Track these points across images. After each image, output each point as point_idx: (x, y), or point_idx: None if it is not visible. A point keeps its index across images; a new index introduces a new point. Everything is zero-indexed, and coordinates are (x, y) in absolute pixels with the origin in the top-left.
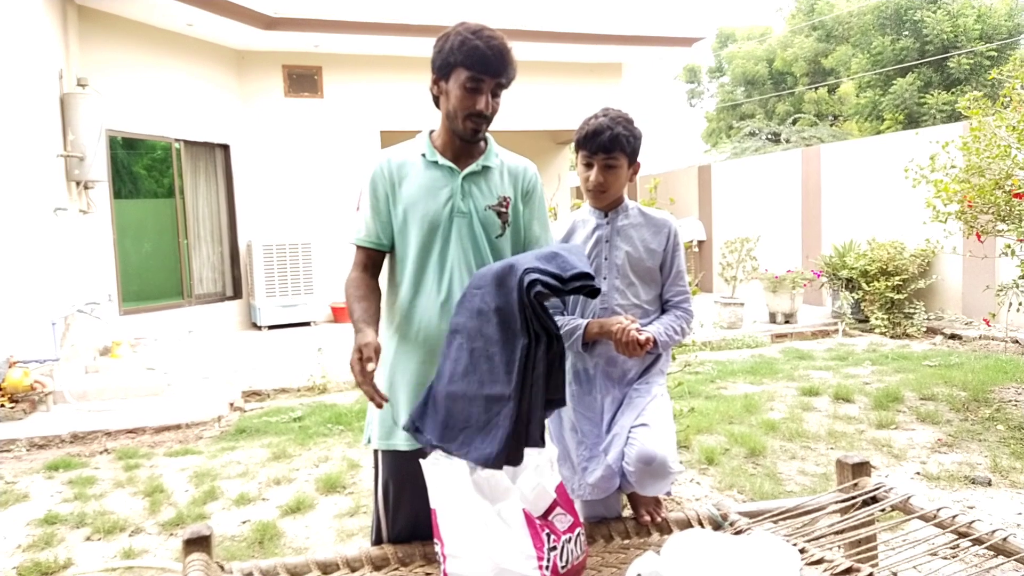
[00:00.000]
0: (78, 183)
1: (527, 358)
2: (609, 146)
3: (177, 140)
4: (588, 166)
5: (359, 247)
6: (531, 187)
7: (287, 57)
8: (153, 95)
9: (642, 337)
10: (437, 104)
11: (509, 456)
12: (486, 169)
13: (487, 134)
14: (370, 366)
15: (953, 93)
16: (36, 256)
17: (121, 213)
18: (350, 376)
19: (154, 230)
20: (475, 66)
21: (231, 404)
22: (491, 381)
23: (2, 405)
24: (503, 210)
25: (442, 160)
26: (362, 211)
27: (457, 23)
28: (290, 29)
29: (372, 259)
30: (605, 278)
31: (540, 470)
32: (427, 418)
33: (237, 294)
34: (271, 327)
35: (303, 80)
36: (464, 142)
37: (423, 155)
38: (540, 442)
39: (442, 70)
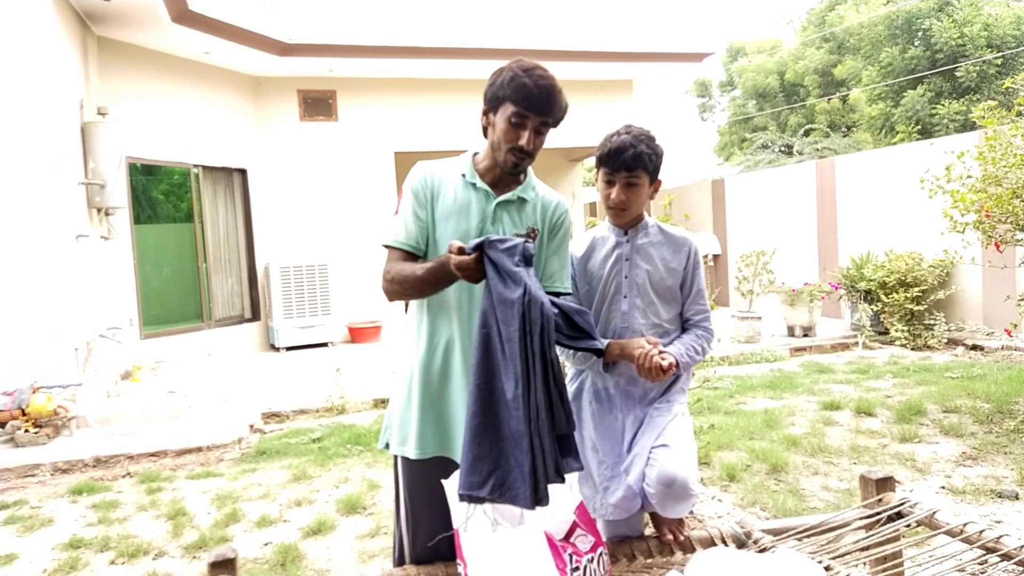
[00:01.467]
0: (99, 210)
1: (528, 391)
2: (632, 164)
3: (195, 165)
4: (609, 184)
5: (396, 248)
6: (559, 222)
7: (302, 82)
8: (171, 122)
9: (665, 363)
10: (485, 134)
11: (537, 497)
12: (521, 200)
13: (528, 168)
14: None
15: (963, 102)
16: (59, 283)
17: (141, 238)
18: (368, 396)
19: (173, 254)
20: (521, 102)
21: (251, 426)
22: (502, 419)
23: (26, 430)
24: (530, 241)
25: (480, 183)
26: (401, 214)
27: (513, 59)
28: (305, 55)
29: (406, 261)
30: (625, 297)
31: (560, 492)
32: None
33: (255, 316)
34: (289, 348)
35: (318, 104)
36: (504, 173)
37: (463, 175)
38: (558, 478)
39: (491, 102)
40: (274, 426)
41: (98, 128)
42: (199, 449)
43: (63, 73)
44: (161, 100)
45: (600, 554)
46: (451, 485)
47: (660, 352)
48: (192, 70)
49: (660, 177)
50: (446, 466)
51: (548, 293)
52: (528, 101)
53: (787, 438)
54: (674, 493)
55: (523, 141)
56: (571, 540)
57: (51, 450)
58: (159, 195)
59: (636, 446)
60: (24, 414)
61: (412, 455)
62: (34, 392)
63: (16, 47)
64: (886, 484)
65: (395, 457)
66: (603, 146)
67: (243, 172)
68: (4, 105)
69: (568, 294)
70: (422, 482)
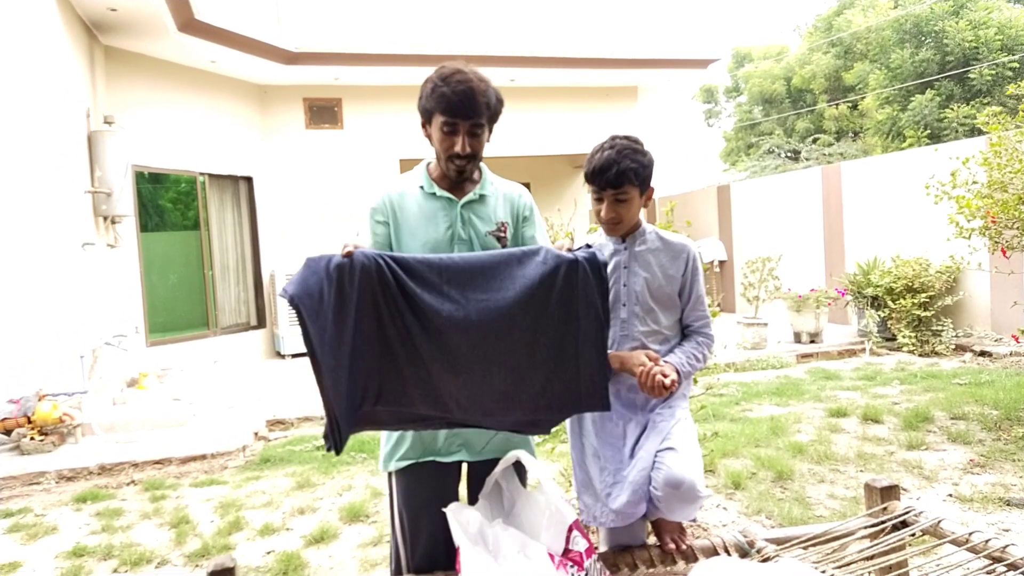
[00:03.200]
0: (105, 218)
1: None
2: (616, 182)
3: (201, 174)
4: (599, 200)
5: None
6: (528, 211)
7: (308, 90)
8: (178, 130)
9: (667, 380)
10: (432, 143)
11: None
12: (483, 197)
13: (482, 164)
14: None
15: (973, 106)
16: (65, 291)
17: (147, 246)
18: None
19: (180, 262)
20: (446, 111)
21: (256, 433)
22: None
23: (32, 438)
24: (502, 235)
25: (439, 191)
26: (361, 240)
27: (437, 67)
28: (311, 63)
29: None
30: (624, 304)
31: (556, 509)
32: None
33: (261, 323)
34: (295, 355)
35: (323, 112)
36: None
37: (421, 187)
38: None
39: (424, 115)
40: (278, 433)
41: (104, 137)
42: (203, 457)
43: (70, 82)
44: (168, 109)
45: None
46: (453, 511)
47: (662, 372)
48: (198, 79)
49: (653, 185)
50: (437, 471)
51: None
52: (451, 109)
53: (793, 445)
54: (682, 495)
55: (458, 148)
56: (569, 551)
57: (56, 458)
58: (166, 203)
59: (640, 451)
60: (30, 422)
61: (404, 465)
62: (40, 400)
63: (23, 57)
64: (891, 492)
65: (388, 474)
66: (589, 162)
67: (249, 180)
68: (11, 114)
69: None
70: (418, 491)
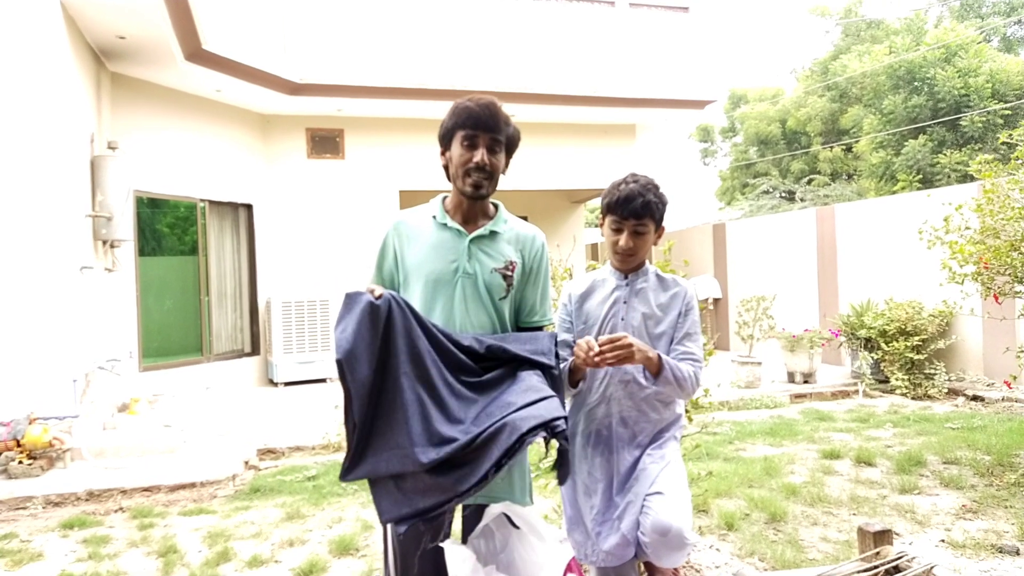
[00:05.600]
0: (104, 242)
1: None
2: (641, 212)
3: (202, 200)
4: (617, 231)
5: None
6: (538, 257)
7: (311, 120)
8: (180, 157)
9: (629, 347)
10: (448, 175)
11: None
12: (494, 234)
13: (498, 202)
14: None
15: (965, 152)
16: (61, 314)
17: (145, 271)
18: None
19: (176, 287)
20: (468, 123)
21: (246, 462)
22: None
23: (20, 462)
24: (508, 273)
25: (451, 223)
26: (371, 270)
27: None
28: (314, 94)
29: None
30: None
31: (551, 548)
32: None
33: (255, 351)
34: (287, 384)
35: (325, 142)
36: (470, 201)
37: (434, 217)
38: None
39: (444, 139)
40: (269, 463)
41: (107, 162)
42: (193, 485)
43: (75, 107)
44: (171, 135)
45: None
46: (449, 547)
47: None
48: (203, 107)
49: (663, 224)
50: None
51: (525, 327)
52: (474, 120)
53: (786, 487)
54: (669, 542)
55: (477, 158)
56: None
57: (44, 482)
58: (164, 228)
59: (629, 493)
60: (19, 445)
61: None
62: (30, 423)
63: (31, 81)
64: (884, 537)
65: None
66: (611, 194)
67: (249, 207)
68: (16, 137)
69: (547, 325)
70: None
